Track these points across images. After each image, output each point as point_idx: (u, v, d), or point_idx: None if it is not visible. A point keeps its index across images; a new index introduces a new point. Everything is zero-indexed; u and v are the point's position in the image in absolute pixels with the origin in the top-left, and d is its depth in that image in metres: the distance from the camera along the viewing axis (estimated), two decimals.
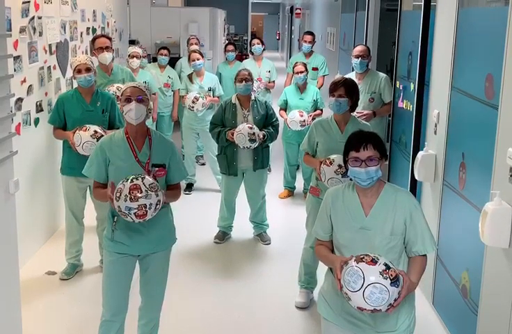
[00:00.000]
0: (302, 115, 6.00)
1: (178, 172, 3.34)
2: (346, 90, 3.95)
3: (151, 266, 3.31)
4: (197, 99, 6.35)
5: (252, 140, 4.90)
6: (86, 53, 6.54)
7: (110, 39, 5.58)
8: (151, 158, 3.21)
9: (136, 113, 3.15)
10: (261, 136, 4.96)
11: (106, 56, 5.40)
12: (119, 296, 3.27)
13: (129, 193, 2.94)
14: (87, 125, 4.27)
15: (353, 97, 3.98)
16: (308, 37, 7.59)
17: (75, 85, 5.95)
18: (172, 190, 3.34)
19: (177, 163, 3.33)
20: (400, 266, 2.66)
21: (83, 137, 4.21)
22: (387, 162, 5.47)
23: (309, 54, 7.64)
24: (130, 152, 3.20)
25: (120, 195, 2.96)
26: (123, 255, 3.23)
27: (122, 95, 3.23)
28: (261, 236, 5.42)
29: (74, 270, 4.63)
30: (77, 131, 4.26)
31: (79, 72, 4.41)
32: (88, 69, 4.42)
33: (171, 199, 3.30)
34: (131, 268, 3.31)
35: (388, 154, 5.48)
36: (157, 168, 3.20)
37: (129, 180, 2.98)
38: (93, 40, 5.52)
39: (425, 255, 2.69)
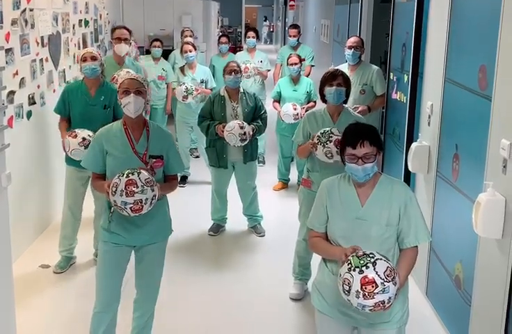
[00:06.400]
0: (295, 109, 6.00)
1: (176, 164, 3.35)
2: (343, 79, 3.97)
3: (146, 257, 3.32)
4: (186, 97, 6.34)
5: (243, 140, 4.90)
6: (79, 45, 6.51)
7: (130, 31, 5.61)
8: (148, 150, 3.21)
9: (135, 106, 3.16)
10: (251, 133, 4.96)
11: (122, 47, 5.48)
12: (111, 286, 3.28)
13: (125, 188, 2.96)
14: (77, 130, 4.27)
15: (349, 87, 4.01)
16: (293, 31, 7.64)
17: (68, 78, 5.96)
18: (170, 181, 3.35)
19: (174, 155, 3.33)
20: (394, 257, 2.68)
21: (72, 144, 4.23)
22: None
23: (296, 47, 7.69)
24: (127, 143, 3.20)
25: (116, 189, 2.97)
26: (118, 245, 3.25)
27: (119, 87, 3.23)
28: (256, 228, 5.43)
29: (67, 263, 4.62)
30: (67, 137, 4.27)
31: (85, 60, 4.41)
32: (94, 58, 4.41)
33: (168, 190, 3.31)
34: (125, 259, 3.31)
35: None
36: (154, 160, 3.21)
37: (125, 175, 2.99)
38: (113, 30, 5.60)
39: (416, 247, 2.70)
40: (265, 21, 32.47)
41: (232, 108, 5.07)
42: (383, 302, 2.35)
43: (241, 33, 22.12)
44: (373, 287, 2.32)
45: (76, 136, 4.23)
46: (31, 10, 4.91)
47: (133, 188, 2.96)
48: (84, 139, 4.21)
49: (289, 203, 6.14)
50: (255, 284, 4.48)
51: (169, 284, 3.97)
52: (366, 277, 2.33)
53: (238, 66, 5.17)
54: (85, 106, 4.40)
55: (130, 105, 3.16)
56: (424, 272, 4.17)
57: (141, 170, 3.05)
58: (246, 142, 4.94)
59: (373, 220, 2.65)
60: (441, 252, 3.89)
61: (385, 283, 2.34)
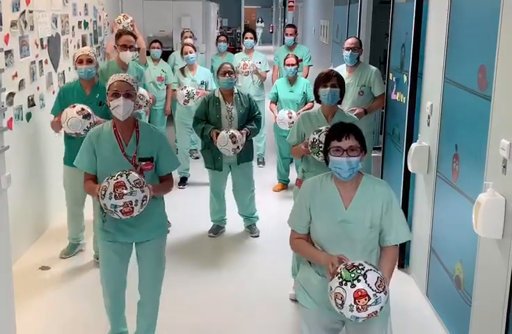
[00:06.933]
0: (290, 117, 5.98)
1: (168, 163, 3.32)
2: (338, 80, 3.99)
3: (144, 254, 3.34)
4: (187, 101, 6.34)
5: (236, 152, 4.94)
6: (78, 47, 6.51)
7: (135, 37, 5.56)
8: (138, 152, 3.20)
9: (124, 109, 3.14)
10: (245, 140, 4.96)
11: (128, 55, 5.43)
12: (115, 280, 3.35)
13: (114, 190, 2.92)
14: (76, 104, 4.26)
15: (343, 87, 4.02)
16: (290, 30, 7.67)
17: (67, 79, 5.96)
18: (164, 181, 3.33)
19: (166, 154, 3.30)
20: (378, 255, 2.71)
21: (69, 113, 4.18)
22: (380, 154, 5.50)
23: (292, 47, 7.68)
24: (117, 146, 3.20)
25: (105, 193, 2.94)
26: (115, 243, 3.28)
27: (109, 89, 3.21)
28: (251, 228, 5.43)
29: (73, 250, 4.76)
30: (66, 110, 4.24)
31: (80, 62, 4.43)
32: (90, 61, 4.43)
33: (163, 191, 3.30)
34: (125, 255, 3.35)
35: (381, 146, 5.49)
36: (144, 162, 3.18)
37: (114, 177, 2.96)
38: (118, 35, 5.49)
39: (396, 245, 2.72)
40: (261, 22, 32.27)
41: (227, 110, 5.06)
42: (376, 312, 2.38)
43: (240, 34, 22.14)
44: (366, 299, 2.34)
45: (74, 107, 4.21)
46: (30, 11, 4.92)
47: (122, 190, 2.92)
48: (83, 109, 4.19)
49: (289, 204, 6.10)
50: (255, 285, 4.48)
51: (168, 285, 3.95)
52: (359, 291, 2.34)
53: (232, 67, 5.16)
54: (82, 104, 4.39)
55: (119, 108, 3.14)
56: (424, 272, 4.16)
57: (130, 172, 3.02)
58: (240, 151, 4.96)
59: (358, 222, 2.65)
60: (441, 252, 3.89)
61: (377, 294, 2.36)
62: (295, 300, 4.19)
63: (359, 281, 2.35)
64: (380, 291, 2.37)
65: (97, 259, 4.42)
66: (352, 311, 2.35)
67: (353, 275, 2.37)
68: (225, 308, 4.12)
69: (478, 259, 3.23)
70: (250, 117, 5.12)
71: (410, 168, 4.24)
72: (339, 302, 2.37)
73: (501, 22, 2.97)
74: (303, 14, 15.70)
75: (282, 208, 6.14)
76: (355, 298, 2.34)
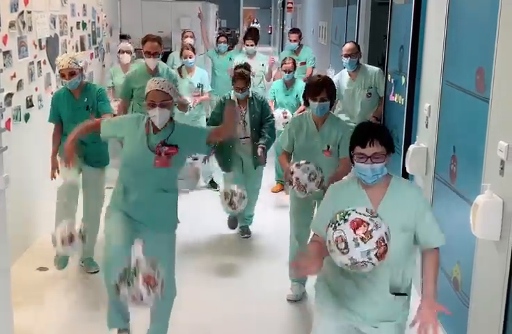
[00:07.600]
0: (285, 117, 5.97)
1: (201, 131, 3.46)
2: (327, 92, 3.97)
3: (151, 248, 3.35)
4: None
5: None
6: (77, 48, 6.51)
7: (160, 43, 5.48)
8: (163, 142, 3.26)
9: (160, 119, 3.25)
10: (264, 156, 4.99)
11: (151, 62, 5.39)
12: (119, 246, 3.29)
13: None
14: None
15: (334, 96, 4.00)
16: (293, 36, 7.58)
17: None
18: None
19: (196, 139, 3.39)
20: (415, 264, 2.68)
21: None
22: None
23: (297, 50, 7.63)
24: (144, 135, 3.29)
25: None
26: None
27: (146, 98, 3.29)
28: (244, 228, 5.44)
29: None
30: (62, 166, 4.24)
31: (63, 76, 4.35)
32: (72, 74, 4.32)
33: (229, 131, 3.49)
34: (132, 224, 3.36)
35: None
36: (167, 147, 3.24)
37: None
38: (144, 41, 5.42)
39: (437, 248, 2.66)
40: (256, 23, 31.97)
41: (241, 115, 5.07)
42: (382, 239, 2.26)
43: (239, 35, 22.13)
44: (365, 226, 2.25)
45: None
46: (29, 12, 4.91)
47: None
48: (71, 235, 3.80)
49: (288, 205, 6.13)
50: (254, 285, 4.48)
51: None
52: (353, 221, 2.26)
53: (248, 82, 5.07)
54: (73, 110, 4.42)
55: (156, 118, 3.25)
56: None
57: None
58: None
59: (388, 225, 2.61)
60: (439, 253, 3.88)
61: (373, 218, 2.29)
62: (293, 301, 4.21)
63: (349, 214, 2.29)
64: (376, 216, 2.30)
65: (83, 262, 4.59)
66: (358, 245, 2.22)
67: (342, 213, 2.31)
68: (222, 307, 4.12)
69: (476, 261, 3.23)
70: (263, 122, 5.11)
71: (408, 170, 4.24)
72: (342, 245, 2.24)
73: (499, 24, 2.97)
74: (302, 16, 15.70)
75: (282, 209, 6.14)
76: (354, 230, 2.24)
